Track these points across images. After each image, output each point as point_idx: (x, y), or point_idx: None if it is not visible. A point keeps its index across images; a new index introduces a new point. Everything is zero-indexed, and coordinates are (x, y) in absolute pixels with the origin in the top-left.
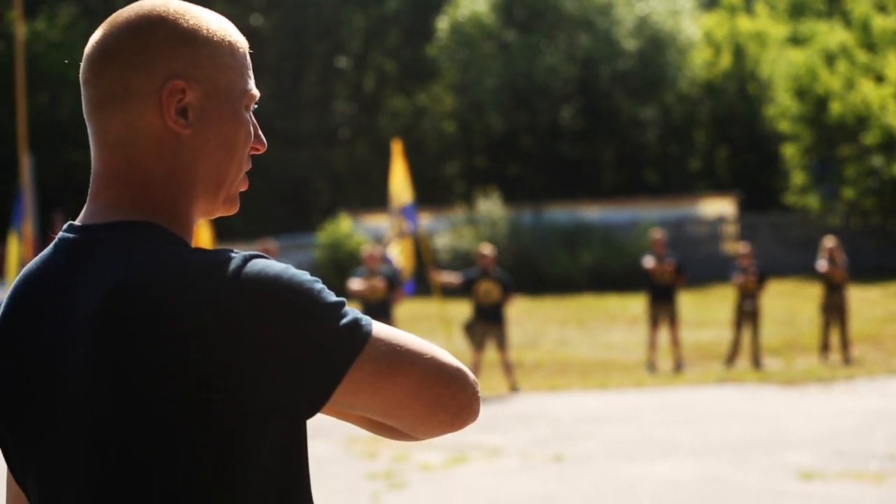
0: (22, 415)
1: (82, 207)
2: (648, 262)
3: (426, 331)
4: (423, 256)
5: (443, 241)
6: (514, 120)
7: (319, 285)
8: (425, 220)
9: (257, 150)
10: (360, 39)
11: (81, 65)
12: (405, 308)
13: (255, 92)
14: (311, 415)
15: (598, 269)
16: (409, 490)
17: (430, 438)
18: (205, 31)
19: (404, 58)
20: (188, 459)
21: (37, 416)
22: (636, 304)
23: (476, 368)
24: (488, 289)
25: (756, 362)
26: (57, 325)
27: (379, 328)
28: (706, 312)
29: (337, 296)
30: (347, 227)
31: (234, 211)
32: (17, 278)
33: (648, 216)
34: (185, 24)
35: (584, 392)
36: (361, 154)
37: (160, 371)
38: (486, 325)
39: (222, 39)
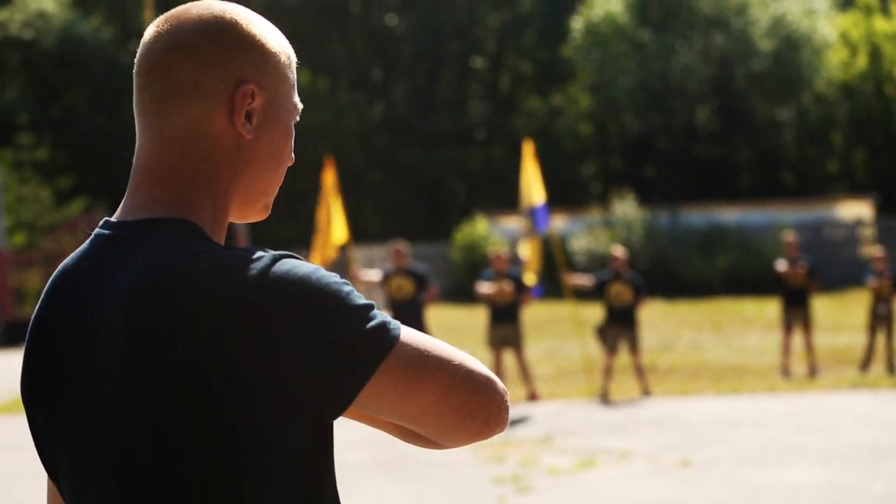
0: (54, 405)
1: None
2: (781, 265)
3: (558, 333)
4: (555, 258)
5: (578, 243)
6: (649, 120)
7: (348, 287)
8: (561, 222)
9: (290, 163)
10: (495, 39)
11: (140, 56)
12: (536, 310)
13: (301, 106)
14: (335, 416)
15: (734, 272)
16: (535, 494)
17: (457, 446)
18: (271, 41)
19: (539, 58)
20: (207, 455)
21: (68, 407)
22: (772, 308)
23: (608, 372)
24: (620, 291)
25: (890, 368)
26: (89, 319)
27: (407, 333)
28: (843, 317)
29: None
30: (483, 229)
31: (264, 217)
32: (56, 272)
33: (785, 219)
34: (256, 32)
35: (717, 396)
36: (497, 155)
37: (183, 366)
38: (619, 327)
39: (283, 51)
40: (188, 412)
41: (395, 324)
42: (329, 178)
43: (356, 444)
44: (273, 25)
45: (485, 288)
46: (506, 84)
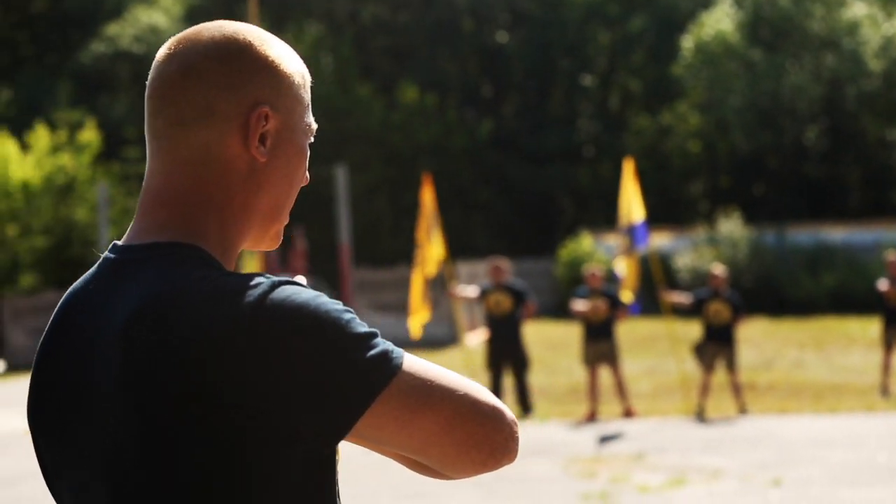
0: (58, 432)
1: (323, 222)
2: (882, 284)
3: (657, 351)
4: (654, 276)
5: (683, 261)
6: (758, 139)
7: (349, 315)
8: (666, 240)
9: (304, 183)
10: (606, 57)
11: (152, 79)
12: (636, 327)
13: (315, 126)
14: (332, 446)
15: (841, 291)
16: None
17: (463, 478)
18: (285, 62)
19: (649, 76)
20: (205, 484)
21: (70, 434)
22: (876, 327)
23: (705, 390)
24: (719, 309)
25: None
26: (91, 345)
27: (411, 362)
28: None
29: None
30: (588, 246)
31: (276, 246)
32: (64, 297)
33: (892, 238)
34: (270, 53)
35: (814, 415)
36: (605, 172)
37: (179, 393)
38: (717, 346)
39: (297, 72)
40: (182, 440)
41: (398, 352)
42: (428, 195)
43: None
44: (288, 46)
45: (579, 305)
46: (615, 102)
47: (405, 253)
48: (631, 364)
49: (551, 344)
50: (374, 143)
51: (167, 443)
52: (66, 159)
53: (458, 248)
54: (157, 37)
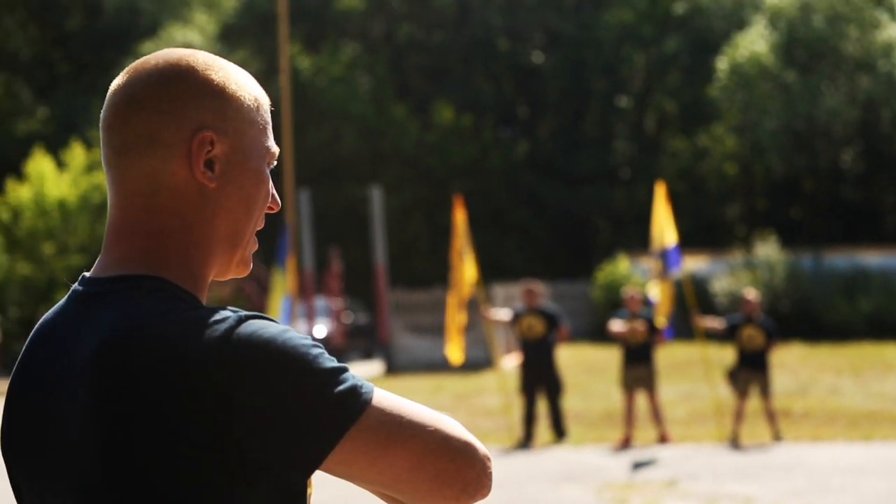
0: (31, 463)
1: (359, 243)
2: None
3: (689, 376)
4: (687, 300)
5: (720, 285)
6: (794, 162)
7: (317, 350)
8: (703, 263)
9: (271, 209)
10: (641, 79)
11: (103, 110)
12: (671, 352)
13: (276, 149)
14: (300, 484)
15: (878, 316)
16: None
17: None
18: (233, 86)
19: (685, 98)
20: None
21: (42, 465)
22: None
23: (739, 416)
24: (752, 335)
25: None
26: (60, 377)
27: (380, 397)
28: None
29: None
30: (625, 269)
31: (245, 273)
32: (35, 328)
33: None
34: (215, 77)
35: (848, 443)
36: (641, 194)
37: (143, 427)
38: (750, 371)
39: (248, 95)
40: (145, 476)
41: (367, 387)
42: (459, 216)
43: None
44: (242, 70)
45: (616, 326)
46: (651, 124)
47: (441, 275)
48: (666, 389)
49: (588, 367)
50: (410, 163)
51: (134, 476)
52: (102, 178)
53: (494, 270)
54: None
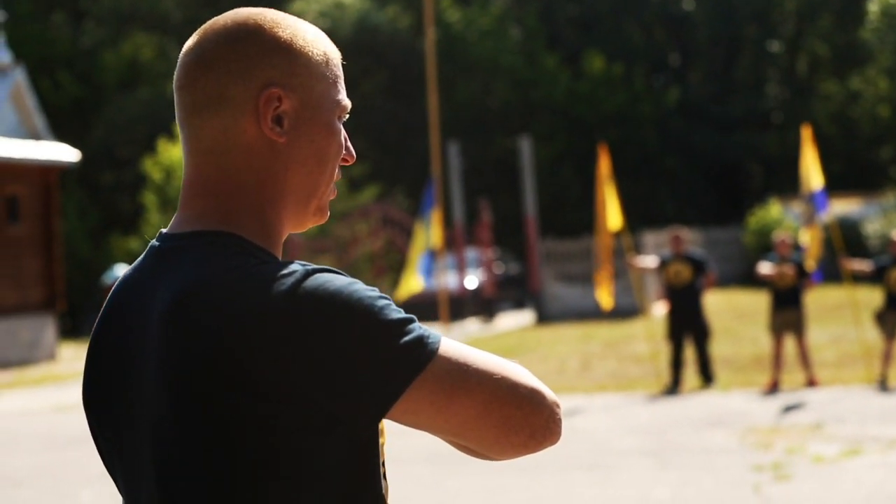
0: (109, 413)
1: (509, 194)
2: None
3: (839, 320)
4: (835, 243)
5: (873, 227)
6: None
7: (383, 301)
8: (855, 206)
9: (346, 161)
10: (792, 23)
11: (176, 70)
12: (820, 296)
13: (347, 103)
14: (367, 432)
15: None
16: (792, 483)
17: (505, 459)
18: (300, 41)
19: (836, 41)
20: (239, 471)
21: (119, 415)
22: None
23: (887, 358)
24: None
25: None
26: (137, 330)
27: (447, 346)
28: None
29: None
30: (777, 213)
31: (323, 220)
32: (116, 283)
33: None
34: (282, 34)
35: None
36: (793, 139)
37: (213, 379)
38: None
39: (317, 50)
40: (218, 427)
41: (434, 337)
42: (604, 165)
43: (628, 430)
44: (311, 25)
45: (765, 269)
46: (803, 67)
47: (590, 224)
48: (815, 333)
49: (738, 313)
50: (560, 113)
51: (203, 430)
52: None
53: (646, 217)
54: (342, 12)
